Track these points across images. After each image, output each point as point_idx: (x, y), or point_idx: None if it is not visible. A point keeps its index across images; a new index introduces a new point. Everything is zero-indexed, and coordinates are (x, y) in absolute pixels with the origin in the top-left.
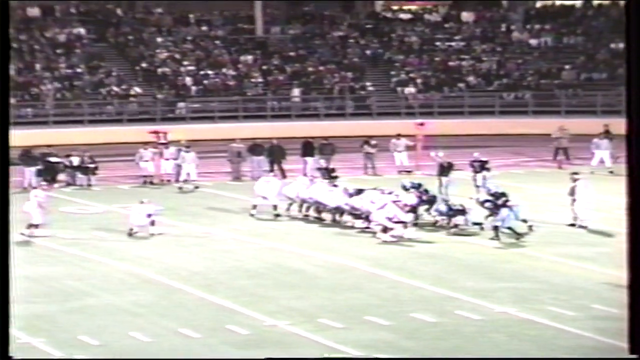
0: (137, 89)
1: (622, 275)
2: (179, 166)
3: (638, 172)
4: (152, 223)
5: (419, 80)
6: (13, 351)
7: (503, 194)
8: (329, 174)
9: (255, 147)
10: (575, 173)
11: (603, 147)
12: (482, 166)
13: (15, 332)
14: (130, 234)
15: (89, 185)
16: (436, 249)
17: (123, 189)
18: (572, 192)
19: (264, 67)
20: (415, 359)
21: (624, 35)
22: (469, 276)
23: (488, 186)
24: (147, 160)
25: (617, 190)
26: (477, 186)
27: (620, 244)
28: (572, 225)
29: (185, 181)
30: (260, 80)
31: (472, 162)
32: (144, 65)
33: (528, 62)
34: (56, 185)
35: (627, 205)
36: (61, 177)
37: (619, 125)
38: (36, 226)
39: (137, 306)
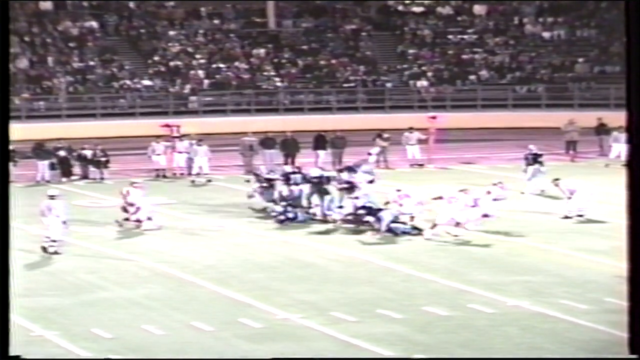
0: (149, 83)
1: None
2: (191, 159)
3: (638, 168)
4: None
5: (431, 74)
6: (26, 344)
7: None
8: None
9: (267, 141)
10: (556, 179)
11: (622, 141)
12: (535, 159)
13: (29, 325)
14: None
15: (102, 178)
16: (449, 243)
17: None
18: (563, 192)
19: (276, 61)
20: (399, 358)
21: (625, 33)
22: (482, 269)
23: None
24: (159, 154)
25: None
26: (529, 179)
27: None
28: (567, 217)
29: (197, 174)
30: (272, 73)
31: (527, 155)
32: (156, 58)
33: (541, 55)
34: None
35: (627, 201)
36: (75, 170)
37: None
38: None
39: (149, 299)
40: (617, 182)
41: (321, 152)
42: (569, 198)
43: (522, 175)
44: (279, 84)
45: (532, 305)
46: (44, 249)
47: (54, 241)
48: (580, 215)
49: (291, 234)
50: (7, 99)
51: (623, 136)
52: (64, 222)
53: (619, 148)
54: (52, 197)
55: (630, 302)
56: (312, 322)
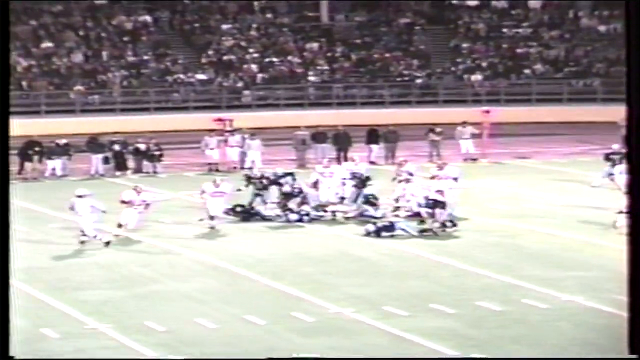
0: (203, 76)
1: None
2: (244, 153)
3: (638, 165)
4: (212, 218)
5: (485, 68)
6: (80, 337)
7: None
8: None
9: (319, 135)
10: (611, 173)
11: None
12: (622, 159)
13: (83, 318)
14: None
15: (155, 172)
16: (502, 237)
17: (189, 176)
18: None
19: (329, 55)
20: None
21: (625, 33)
22: (535, 264)
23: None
24: (212, 148)
25: None
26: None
27: None
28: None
29: (250, 168)
30: (325, 67)
31: (609, 155)
32: (209, 52)
33: (596, 48)
34: (127, 172)
35: (627, 199)
36: (129, 164)
37: None
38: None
39: (202, 293)
40: None
41: (374, 146)
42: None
43: (577, 170)
44: (331, 77)
45: (586, 301)
46: (81, 243)
47: (85, 235)
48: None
49: (343, 229)
50: (7, 98)
51: (468, 131)
52: (103, 212)
53: (466, 145)
54: (80, 196)
55: (630, 302)
56: (364, 317)
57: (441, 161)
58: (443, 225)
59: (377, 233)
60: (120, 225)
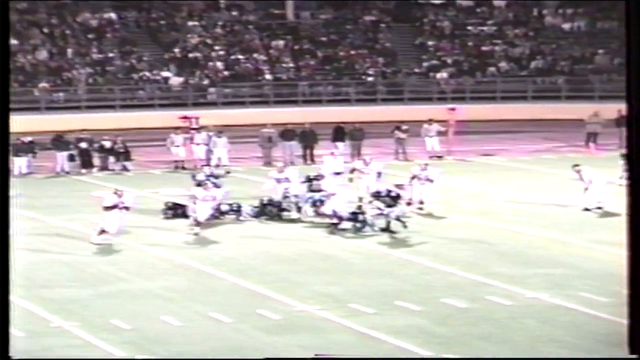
0: (169, 74)
1: None
2: (210, 151)
3: (638, 161)
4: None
5: (450, 65)
6: (46, 335)
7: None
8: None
9: (287, 132)
10: (576, 165)
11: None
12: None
13: (49, 316)
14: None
15: (126, 170)
16: (469, 235)
17: (155, 174)
18: (584, 182)
19: (295, 52)
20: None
21: (625, 33)
22: (501, 262)
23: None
24: (178, 146)
25: None
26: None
27: None
28: (587, 209)
29: (217, 166)
30: (291, 65)
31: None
32: (175, 50)
33: (561, 46)
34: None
35: (627, 195)
36: (95, 162)
37: None
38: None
39: (169, 291)
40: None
41: (340, 144)
42: (586, 189)
43: (542, 167)
44: (297, 75)
45: (551, 298)
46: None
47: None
48: (600, 208)
49: (311, 227)
50: (7, 97)
51: (434, 128)
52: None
53: (431, 142)
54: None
55: (630, 302)
56: (331, 314)
57: (424, 162)
58: (398, 220)
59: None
60: (102, 232)
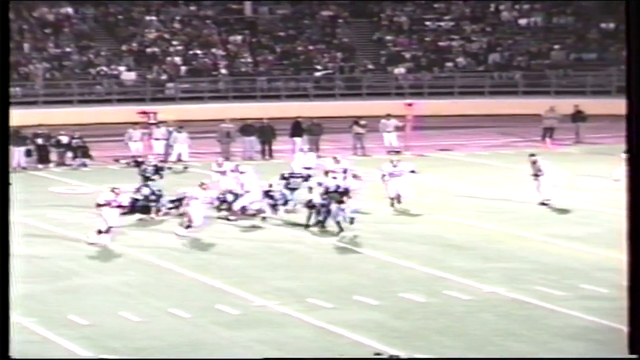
0: (126, 69)
1: (611, 255)
2: (170, 146)
3: (638, 155)
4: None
5: (408, 60)
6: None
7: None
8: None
9: (246, 128)
10: (532, 154)
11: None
12: None
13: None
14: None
15: (84, 165)
16: (427, 229)
17: (113, 169)
18: (535, 172)
19: (253, 47)
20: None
21: (625, 34)
22: (459, 256)
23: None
24: (136, 141)
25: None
26: None
27: (610, 224)
28: (543, 204)
29: (176, 161)
30: (249, 60)
31: None
32: (133, 45)
33: (518, 42)
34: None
35: (627, 192)
36: (52, 157)
37: (608, 105)
38: (106, 231)
39: (127, 286)
40: (592, 169)
41: (298, 139)
42: (536, 179)
43: (498, 162)
44: (255, 70)
45: (508, 292)
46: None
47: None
48: (546, 203)
49: (269, 222)
50: (7, 96)
51: (392, 123)
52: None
53: (389, 138)
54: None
55: (630, 302)
56: (289, 309)
57: (395, 158)
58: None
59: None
60: (100, 232)
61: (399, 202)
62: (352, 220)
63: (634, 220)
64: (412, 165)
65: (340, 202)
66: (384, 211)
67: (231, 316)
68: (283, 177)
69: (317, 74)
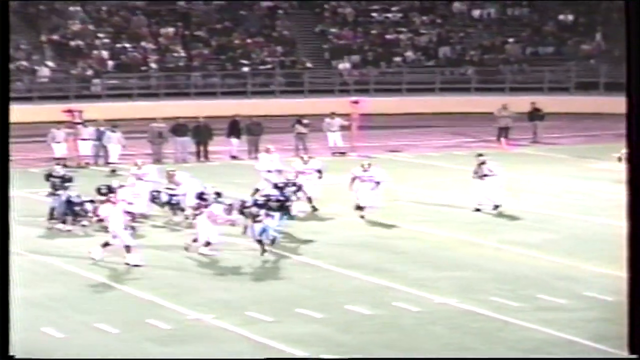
0: (49, 64)
1: (570, 263)
2: (103, 147)
3: (638, 159)
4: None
5: (353, 55)
6: None
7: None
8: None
9: (179, 127)
10: (480, 154)
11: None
12: None
13: None
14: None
15: None
16: (374, 237)
17: (34, 172)
18: (479, 174)
19: (187, 40)
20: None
21: (625, 35)
22: (407, 264)
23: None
24: (59, 142)
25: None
26: None
27: (568, 230)
28: (479, 210)
29: (107, 164)
30: (182, 54)
31: None
32: (55, 37)
33: (470, 35)
34: None
35: (627, 198)
36: None
37: (567, 103)
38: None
39: (50, 299)
40: (550, 171)
41: (235, 140)
42: (484, 176)
43: (450, 164)
44: (189, 65)
45: (461, 303)
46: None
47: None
48: (479, 209)
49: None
50: (7, 96)
51: (336, 122)
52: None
53: (334, 138)
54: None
55: (630, 302)
56: (226, 323)
57: (307, 155)
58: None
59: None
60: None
61: (361, 209)
62: (274, 240)
63: (634, 220)
64: (383, 173)
65: (256, 217)
66: (328, 216)
67: (163, 331)
68: (276, 187)
69: (245, 68)
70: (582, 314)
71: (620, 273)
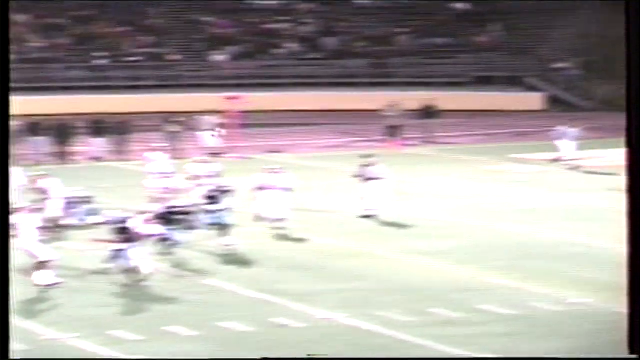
0: None
1: (466, 273)
2: None
3: (637, 171)
4: None
5: (230, 46)
6: None
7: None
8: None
9: (35, 126)
10: (368, 155)
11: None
12: None
13: None
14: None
15: None
16: (252, 247)
17: None
18: (364, 177)
19: (45, 29)
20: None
21: (625, 32)
22: (288, 277)
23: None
24: None
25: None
26: None
27: (465, 238)
28: (367, 217)
29: None
30: (39, 44)
31: None
32: None
33: (358, 25)
34: None
35: (627, 205)
36: None
37: (464, 99)
38: None
39: None
40: (445, 172)
41: (98, 140)
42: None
43: (337, 165)
44: (48, 56)
45: (347, 318)
46: None
47: None
48: (369, 216)
49: (71, 239)
50: (7, 95)
51: (211, 120)
52: None
53: (208, 137)
54: None
55: (630, 302)
56: (88, 342)
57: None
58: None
59: None
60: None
61: (261, 220)
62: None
63: (634, 220)
64: (291, 179)
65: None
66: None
67: (15, 353)
68: (209, 196)
69: (104, 61)
70: (480, 329)
71: (522, 284)
